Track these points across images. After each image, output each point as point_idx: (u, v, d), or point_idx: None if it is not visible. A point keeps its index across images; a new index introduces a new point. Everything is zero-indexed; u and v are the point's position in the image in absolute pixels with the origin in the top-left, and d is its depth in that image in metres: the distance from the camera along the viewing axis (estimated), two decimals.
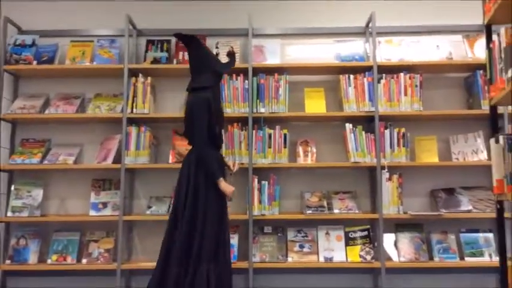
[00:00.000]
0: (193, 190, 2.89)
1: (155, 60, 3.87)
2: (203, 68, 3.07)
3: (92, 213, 3.62)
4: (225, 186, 2.94)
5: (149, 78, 3.73)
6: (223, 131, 3.25)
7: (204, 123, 2.94)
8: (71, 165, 3.65)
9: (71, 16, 4.05)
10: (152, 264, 2.93)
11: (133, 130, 3.65)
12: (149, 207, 3.68)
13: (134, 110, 3.67)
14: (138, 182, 3.85)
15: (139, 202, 3.81)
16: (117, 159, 3.64)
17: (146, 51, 3.92)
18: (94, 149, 3.82)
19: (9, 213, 3.61)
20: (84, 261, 3.54)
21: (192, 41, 3.09)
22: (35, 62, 3.79)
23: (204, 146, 2.95)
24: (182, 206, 2.88)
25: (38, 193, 3.68)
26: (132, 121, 3.72)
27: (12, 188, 3.70)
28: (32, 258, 3.56)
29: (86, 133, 3.87)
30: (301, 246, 3.56)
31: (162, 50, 3.92)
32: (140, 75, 3.73)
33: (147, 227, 3.73)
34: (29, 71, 3.84)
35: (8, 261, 3.56)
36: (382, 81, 3.69)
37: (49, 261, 3.54)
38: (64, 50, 3.91)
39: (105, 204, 3.65)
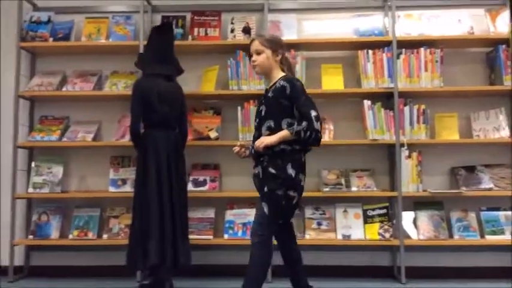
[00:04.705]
0: (180, 170, 3.17)
1: None
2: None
3: (112, 189, 3.66)
4: None
5: None
6: None
7: None
8: (90, 143, 3.68)
9: None
10: None
11: None
12: None
13: None
14: None
15: None
16: None
17: None
18: (112, 126, 3.83)
19: (30, 189, 3.67)
20: (104, 236, 3.60)
21: (172, 30, 3.34)
22: (51, 39, 3.78)
23: None
24: (169, 183, 3.06)
25: (58, 170, 3.72)
26: None
27: (33, 164, 3.75)
28: (54, 233, 3.63)
29: (103, 110, 3.88)
30: (319, 224, 3.56)
31: (177, 26, 3.88)
32: None
33: None
34: (45, 48, 3.84)
35: (30, 237, 3.64)
36: (402, 56, 3.62)
37: (70, 236, 3.60)
38: (80, 27, 3.89)
39: (124, 181, 3.67)
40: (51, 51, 3.89)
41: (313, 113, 2.46)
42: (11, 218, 3.54)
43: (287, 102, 2.50)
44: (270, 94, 2.57)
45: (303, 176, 2.53)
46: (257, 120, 2.61)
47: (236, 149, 2.64)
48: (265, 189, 2.47)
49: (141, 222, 3.00)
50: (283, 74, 2.64)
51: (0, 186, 3.77)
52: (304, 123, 2.43)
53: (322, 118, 3.66)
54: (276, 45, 2.64)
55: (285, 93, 2.50)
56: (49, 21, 3.85)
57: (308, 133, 2.42)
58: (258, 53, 2.63)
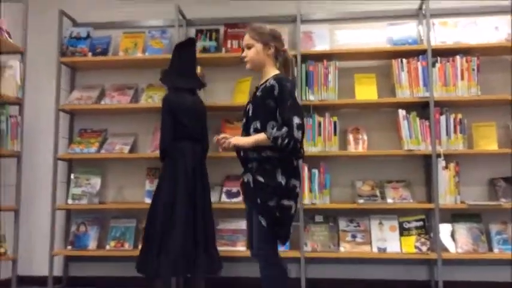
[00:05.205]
0: (205, 181, 3.24)
1: (204, 50, 3.89)
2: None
3: (148, 200, 3.69)
4: None
5: (199, 67, 3.75)
6: None
7: None
8: (127, 154, 3.76)
9: (122, 8, 4.12)
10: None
11: None
12: None
13: None
14: None
15: None
16: None
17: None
18: (147, 138, 3.91)
19: (69, 201, 3.78)
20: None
21: (194, 45, 3.42)
22: (89, 54, 3.90)
23: None
24: (193, 194, 3.13)
25: (96, 181, 3.82)
26: None
27: (72, 176, 3.87)
28: (92, 244, 3.71)
29: (139, 123, 3.96)
30: (354, 236, 3.52)
31: (211, 39, 3.94)
32: None
33: None
34: (84, 63, 3.97)
35: (69, 247, 3.73)
36: (437, 65, 3.57)
37: (107, 247, 3.68)
38: (117, 42, 4.01)
39: None
40: (90, 65, 4.02)
41: (296, 120, 2.20)
42: (51, 229, 3.65)
43: (273, 104, 2.27)
44: (258, 93, 2.36)
45: (297, 182, 2.29)
46: (244, 119, 2.41)
47: (216, 137, 2.37)
48: (258, 201, 2.25)
49: (163, 231, 3.06)
50: (277, 71, 2.40)
51: (41, 198, 3.89)
52: (284, 130, 2.19)
53: (355, 128, 3.69)
54: (268, 37, 2.39)
55: (272, 94, 2.27)
56: (88, 36, 3.98)
57: (286, 141, 2.18)
58: (249, 47, 2.41)
